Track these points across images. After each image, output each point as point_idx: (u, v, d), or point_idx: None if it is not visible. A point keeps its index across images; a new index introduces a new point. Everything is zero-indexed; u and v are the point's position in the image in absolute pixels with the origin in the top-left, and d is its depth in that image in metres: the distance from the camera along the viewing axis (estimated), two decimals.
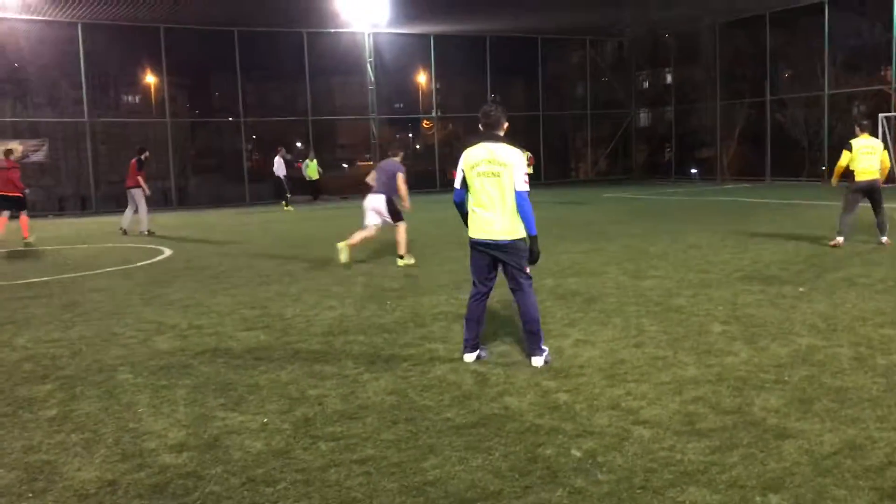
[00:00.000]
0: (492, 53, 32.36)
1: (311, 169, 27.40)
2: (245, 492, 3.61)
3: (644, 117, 36.92)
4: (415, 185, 31.55)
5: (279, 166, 24.56)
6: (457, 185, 5.56)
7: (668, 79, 35.85)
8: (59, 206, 27.62)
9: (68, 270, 11.30)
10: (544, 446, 4.03)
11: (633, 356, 5.68)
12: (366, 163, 32.81)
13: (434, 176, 32.58)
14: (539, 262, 5.57)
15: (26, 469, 3.94)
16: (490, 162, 5.34)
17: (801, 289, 7.96)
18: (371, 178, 10.75)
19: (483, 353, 5.71)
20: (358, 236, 10.70)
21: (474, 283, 5.64)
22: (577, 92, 36.28)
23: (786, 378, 5.02)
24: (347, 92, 33.13)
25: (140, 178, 17.19)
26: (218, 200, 28.16)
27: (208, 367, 5.77)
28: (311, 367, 5.68)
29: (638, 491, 3.49)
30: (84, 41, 26.00)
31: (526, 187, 5.34)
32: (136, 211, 17.29)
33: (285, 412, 4.70)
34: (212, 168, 32.20)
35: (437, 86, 32.79)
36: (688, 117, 33.28)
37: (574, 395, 4.84)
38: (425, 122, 34.58)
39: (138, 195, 17.15)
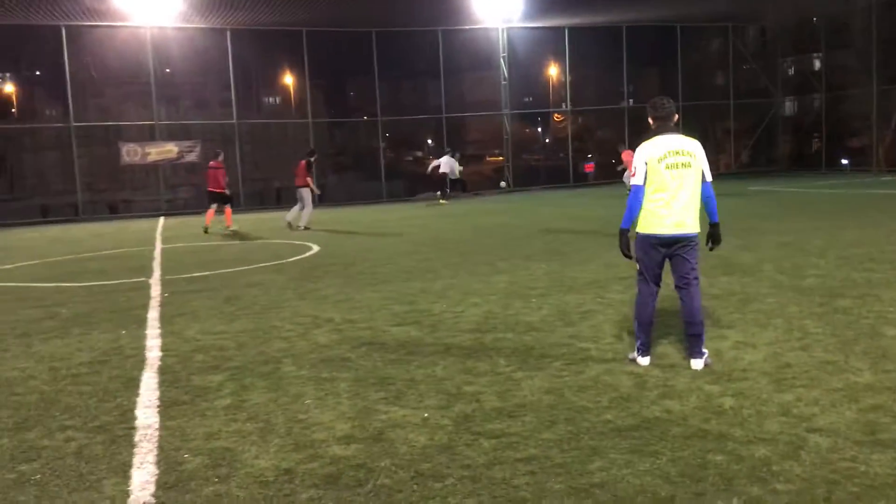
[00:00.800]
0: (628, 44, 31.65)
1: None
2: (415, 486, 3.70)
3: (790, 106, 35.11)
4: (547, 180, 31.66)
5: (446, 165, 25.24)
6: (638, 180, 5.28)
7: (817, 65, 33.90)
8: (208, 204, 29.20)
9: (225, 266, 11.93)
10: (714, 452, 3.91)
11: (800, 360, 5.41)
12: (495, 158, 32.88)
13: (566, 170, 32.27)
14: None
15: (210, 455, 4.18)
16: (679, 153, 5.21)
17: None
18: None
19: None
20: None
21: (647, 282, 5.45)
22: (717, 81, 34.94)
23: None
24: (479, 88, 33.28)
25: (309, 179, 18.17)
26: (355, 197, 28.95)
27: (366, 360, 5.94)
28: (463, 363, 5.75)
29: (821, 503, 3.32)
30: (232, 46, 27.37)
31: (710, 177, 5.32)
32: (302, 208, 18.15)
33: (444, 407, 4.78)
34: (349, 166, 33.22)
35: (570, 79, 32.38)
36: (838, 105, 31.37)
37: (740, 399, 4.67)
38: (556, 115, 34.26)
39: (306, 194, 18.06)
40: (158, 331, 7.33)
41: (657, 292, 5.50)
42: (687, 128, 26.44)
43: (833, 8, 29.95)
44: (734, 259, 9.92)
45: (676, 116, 5.42)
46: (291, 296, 8.94)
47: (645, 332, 5.48)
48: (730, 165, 34.07)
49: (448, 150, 27.13)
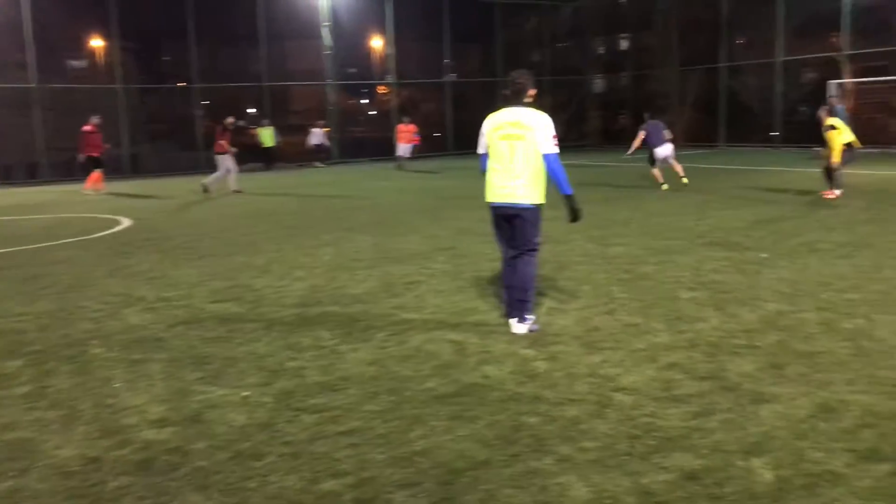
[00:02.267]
0: (450, 19, 32.04)
1: (266, 136, 27.09)
2: (234, 466, 3.60)
3: (599, 84, 37.02)
4: (374, 153, 31.55)
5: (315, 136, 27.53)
6: (480, 149, 5.61)
7: (624, 45, 35.96)
8: (5, 175, 26.78)
9: (26, 242, 11.02)
10: (528, 414, 4.09)
11: (607, 324, 5.76)
12: (322, 129, 32.37)
13: (392, 143, 32.32)
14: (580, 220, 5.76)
15: (6, 447, 3.87)
16: (514, 125, 5.36)
17: (763, 255, 8.14)
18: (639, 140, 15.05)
19: (534, 327, 5.57)
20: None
21: (501, 248, 5.67)
22: (533, 58, 36.19)
23: (757, 343, 5.15)
24: (303, 57, 32.54)
25: (224, 143, 17.92)
26: (171, 168, 27.51)
27: (182, 340, 5.70)
28: (287, 338, 5.66)
29: (624, 458, 3.56)
30: (29, 2, 25.09)
31: (555, 149, 5.34)
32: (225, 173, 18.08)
33: (265, 385, 4.68)
34: (163, 135, 31.42)
35: (394, 51, 32.37)
36: (643, 84, 33.46)
37: (552, 363, 4.91)
38: (380, 87, 34.19)
39: (223, 160, 17.91)
40: None
41: (516, 255, 5.53)
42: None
43: None
44: (546, 229, 10.34)
45: (532, 91, 5.47)
46: (100, 273, 8.40)
47: (512, 294, 5.57)
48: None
49: (266, 121, 26.91)
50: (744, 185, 15.56)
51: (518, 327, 5.53)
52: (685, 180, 14.87)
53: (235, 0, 28.90)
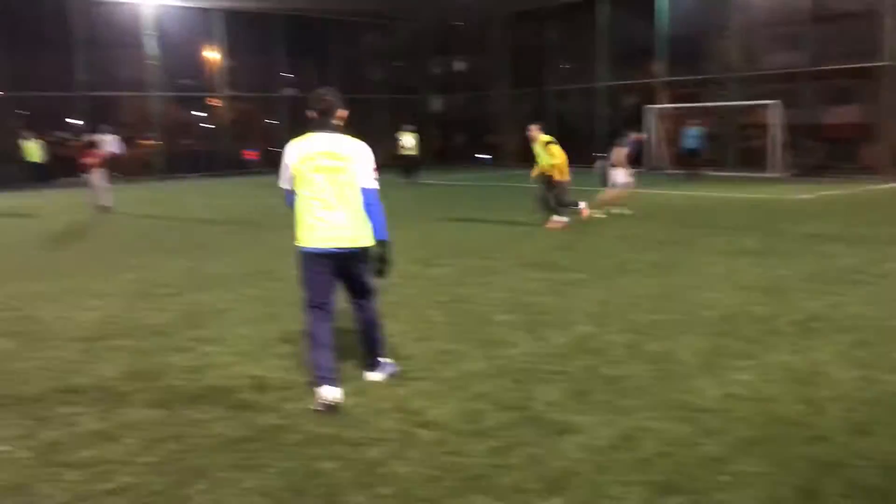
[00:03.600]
0: (284, 33, 31.39)
1: (30, 149, 24.47)
2: None
3: (436, 103, 37.49)
4: (208, 167, 30.21)
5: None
6: (284, 184, 4.60)
7: (460, 66, 36.67)
8: None
9: None
10: (324, 459, 3.78)
11: (421, 350, 5.57)
12: (148, 142, 30.68)
13: (228, 157, 31.15)
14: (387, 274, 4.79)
15: None
16: (331, 155, 4.52)
17: (579, 275, 8.26)
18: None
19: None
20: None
21: (314, 304, 4.60)
22: (369, 75, 36.13)
23: (566, 369, 5.10)
24: (128, 66, 30.75)
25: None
26: (36, 178, 24.84)
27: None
28: (65, 379, 5.05)
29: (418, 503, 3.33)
30: None
31: (376, 184, 4.63)
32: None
33: (27, 436, 4.11)
34: None
35: (228, 63, 31.28)
36: (479, 104, 34.20)
37: (359, 397, 4.62)
38: (213, 100, 32.92)
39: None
40: None
41: (331, 311, 4.68)
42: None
43: (473, 16, 32.52)
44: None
45: (341, 112, 4.66)
46: None
47: (326, 357, 4.56)
48: (383, 158, 35.45)
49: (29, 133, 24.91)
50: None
51: (375, 375, 4.92)
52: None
53: (44, 2, 26.87)
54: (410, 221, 13.08)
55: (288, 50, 32.01)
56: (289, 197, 4.63)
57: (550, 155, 12.15)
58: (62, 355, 5.60)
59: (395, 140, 23.74)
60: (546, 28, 30.60)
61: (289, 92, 32.83)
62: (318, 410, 4.39)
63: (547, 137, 12.19)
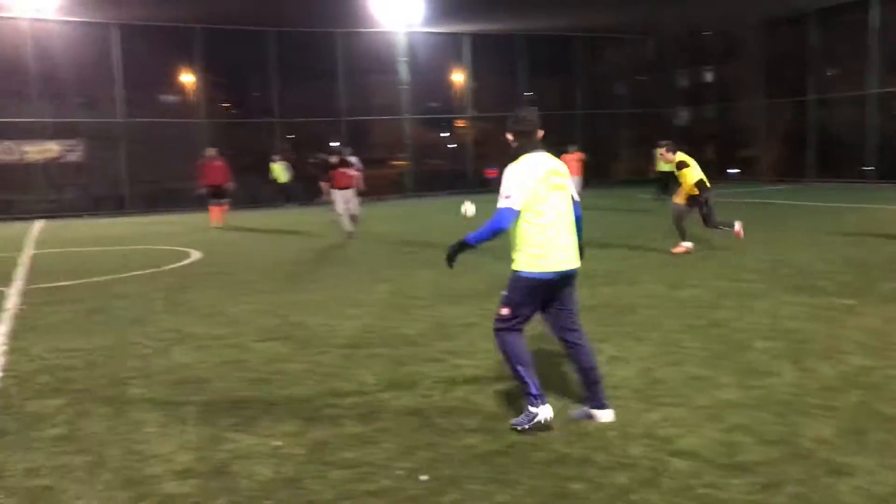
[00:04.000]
0: (527, 52, 31.96)
1: (277, 171, 26.76)
2: None
3: (684, 116, 36.21)
4: (449, 185, 31.56)
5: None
6: (515, 204, 4.31)
7: (708, 77, 35.12)
8: (94, 206, 27.80)
9: (97, 274, 11.21)
10: (574, 480, 3.73)
11: (671, 376, 5.34)
12: (399, 162, 32.59)
13: (469, 175, 32.27)
14: None
15: (26, 495, 3.74)
16: (558, 174, 4.46)
17: (849, 301, 7.52)
18: None
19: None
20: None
21: (518, 327, 4.48)
22: (614, 90, 35.70)
23: (836, 404, 4.65)
24: (382, 92, 32.93)
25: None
26: (254, 200, 27.92)
27: (224, 381, 5.55)
28: (329, 382, 5.44)
29: None
30: (120, 42, 26.20)
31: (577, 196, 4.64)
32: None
33: (299, 434, 4.46)
34: (249, 168, 32.14)
35: (472, 85, 32.42)
36: (729, 116, 32.57)
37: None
38: (457, 121, 34.26)
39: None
40: (3, 348, 6.72)
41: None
42: (586, 136, 26.36)
43: (724, 25, 31.06)
44: (617, 270, 9.95)
45: (541, 132, 4.59)
46: (159, 308, 8.41)
47: (535, 374, 4.46)
48: (625, 173, 34.81)
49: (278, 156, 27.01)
50: (828, 222, 14.70)
51: (607, 414, 4.53)
52: None
53: (315, 37, 29.48)
54: (654, 240, 12.69)
55: (531, 69, 32.52)
56: (509, 218, 4.35)
57: (682, 177, 11.29)
58: (326, 360, 6.03)
59: (651, 155, 22.83)
60: (807, 33, 28.43)
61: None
62: (525, 429, 4.34)
63: (679, 157, 11.32)
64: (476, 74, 32.29)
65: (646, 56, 36.26)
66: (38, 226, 21.68)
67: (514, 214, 4.34)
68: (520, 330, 4.51)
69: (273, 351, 6.37)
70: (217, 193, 19.10)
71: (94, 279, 10.71)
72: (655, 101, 34.86)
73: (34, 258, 13.74)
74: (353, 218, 15.13)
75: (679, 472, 3.79)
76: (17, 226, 22.28)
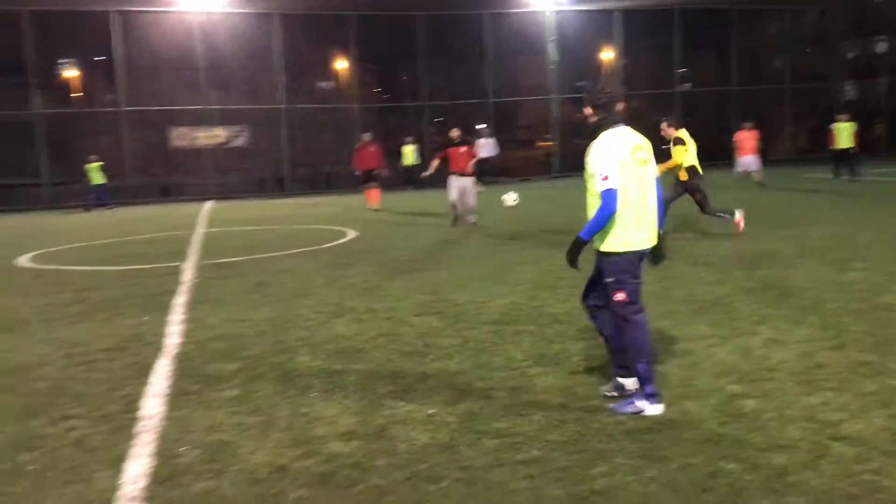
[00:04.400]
0: (681, 27, 30.89)
1: (407, 154, 26.55)
2: (408, 488, 3.56)
3: (850, 90, 33.88)
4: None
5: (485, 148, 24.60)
6: (615, 183, 4.22)
7: (881, 48, 32.63)
8: (257, 188, 29.49)
9: (261, 251, 11.95)
10: (727, 459, 3.68)
11: (833, 360, 5.11)
12: (546, 143, 32.48)
13: None
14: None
15: (207, 448, 4.11)
16: (644, 148, 4.42)
17: None
18: None
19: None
20: None
21: (639, 308, 4.47)
22: (773, 65, 33.89)
23: None
24: (529, 72, 32.87)
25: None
26: (408, 182, 28.58)
27: (380, 352, 5.83)
28: (479, 357, 5.59)
29: None
30: (281, 31, 27.54)
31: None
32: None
33: (452, 404, 4.63)
34: (398, 151, 33.03)
35: (622, 62, 31.73)
36: None
37: (763, 402, 4.42)
38: None
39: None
40: (182, 317, 7.33)
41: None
42: (741, 113, 25.10)
43: None
44: (776, 250, 9.54)
45: (622, 105, 4.50)
46: (320, 283, 8.88)
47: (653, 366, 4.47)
48: (786, 151, 33.07)
49: (409, 138, 26.55)
50: None
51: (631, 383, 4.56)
52: None
53: (463, 19, 29.78)
54: (818, 220, 12.05)
55: (684, 44, 31.43)
56: (615, 200, 4.23)
57: (673, 153, 10.84)
58: (477, 336, 6.19)
59: (829, 131, 21.35)
60: None
61: (684, 87, 32.23)
62: (623, 412, 4.32)
63: (679, 133, 10.94)
64: (627, 51, 31.56)
65: (807, 27, 34.14)
66: (207, 207, 23.26)
67: (616, 194, 4.25)
68: (642, 308, 4.48)
69: (426, 325, 6.61)
70: (371, 177, 19.40)
71: (260, 256, 11.42)
72: (819, 75, 32.83)
73: (205, 236, 14.79)
74: (469, 210, 13.56)
75: (841, 456, 3.66)
76: (188, 207, 24.02)
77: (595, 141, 4.38)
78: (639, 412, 4.31)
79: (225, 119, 28.36)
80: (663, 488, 3.44)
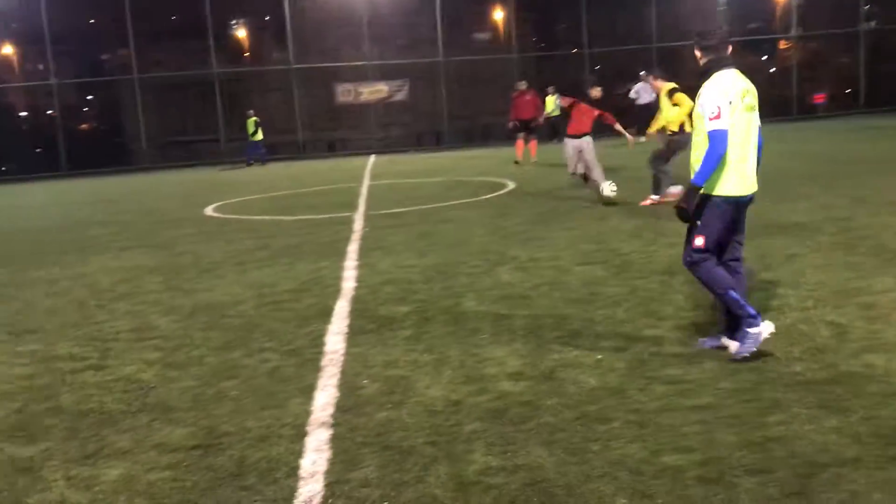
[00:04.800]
0: None
1: (549, 104, 23.54)
2: (578, 426, 3.66)
3: None
4: (770, 113, 29.45)
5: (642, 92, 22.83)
6: (724, 123, 4.20)
7: None
8: (416, 142, 30.15)
9: (424, 202, 12.30)
10: None
11: None
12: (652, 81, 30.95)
13: (790, 102, 29.81)
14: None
15: (386, 382, 4.38)
16: (752, 93, 4.37)
17: None
18: None
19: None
20: None
21: (713, 251, 4.41)
22: None
23: None
24: (697, 15, 31.34)
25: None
26: (552, 133, 28.27)
27: (545, 299, 5.92)
28: (647, 306, 5.57)
29: None
30: None
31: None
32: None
33: (620, 350, 4.66)
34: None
35: (798, 1, 29.61)
36: None
37: None
38: (782, 42, 31.59)
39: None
40: (355, 263, 7.73)
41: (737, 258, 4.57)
42: None
43: None
44: None
45: (731, 48, 4.49)
46: (482, 232, 9.07)
47: (743, 297, 4.43)
48: None
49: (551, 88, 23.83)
50: None
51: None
52: None
53: None
54: None
55: None
56: (725, 140, 4.21)
57: (679, 102, 10.02)
58: (644, 285, 6.15)
59: None
60: None
61: (869, 25, 29.72)
62: (752, 353, 4.30)
63: (672, 85, 10.26)
64: None
65: None
66: (370, 160, 24.07)
67: (726, 135, 4.22)
68: (714, 260, 4.42)
69: (591, 274, 6.62)
70: (527, 127, 18.75)
71: (423, 207, 11.76)
72: None
73: (371, 189, 15.37)
74: (586, 176, 11.22)
75: None
76: (352, 160, 24.95)
77: (706, 81, 4.39)
78: (757, 337, 4.32)
79: (386, 74, 29.07)
80: (844, 438, 3.35)
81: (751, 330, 4.34)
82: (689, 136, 5.20)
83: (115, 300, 6.84)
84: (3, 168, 28.88)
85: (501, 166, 18.31)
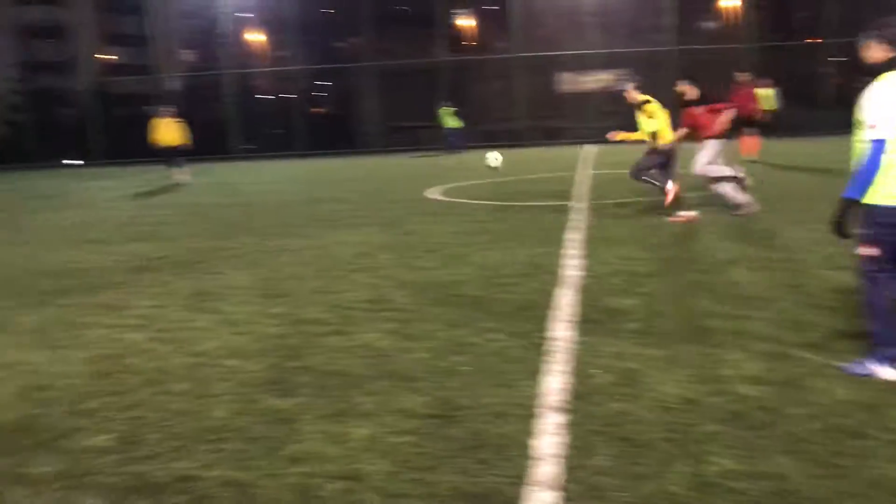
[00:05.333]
0: None
1: (767, 98, 19.92)
2: (827, 439, 3.42)
3: None
4: None
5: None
6: (883, 133, 3.86)
7: None
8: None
9: (650, 195, 11.99)
10: None
11: None
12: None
13: None
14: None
15: (617, 374, 4.34)
16: None
17: None
18: None
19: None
20: None
21: (887, 262, 4.05)
22: None
23: None
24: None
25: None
26: (797, 129, 26.12)
27: (786, 301, 5.59)
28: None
29: None
30: None
31: None
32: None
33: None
34: (790, 95, 30.43)
35: None
36: None
37: None
38: None
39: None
40: (577, 251, 7.70)
41: None
42: None
43: None
44: None
45: None
46: (714, 229, 8.71)
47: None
48: None
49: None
50: None
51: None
52: None
53: None
54: None
55: None
56: (881, 152, 3.85)
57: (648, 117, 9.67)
58: None
59: None
60: None
61: None
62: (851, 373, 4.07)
63: (644, 97, 9.85)
64: None
65: None
66: (587, 149, 23.83)
67: (884, 145, 3.86)
68: (892, 272, 4.03)
69: (840, 280, 6.12)
70: (749, 122, 16.55)
71: (644, 199, 11.46)
72: None
73: (591, 178, 15.24)
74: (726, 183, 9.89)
75: None
76: (569, 149, 24.82)
77: (874, 82, 3.97)
78: (871, 374, 4.05)
79: (610, 63, 28.59)
80: None
81: (870, 366, 4.09)
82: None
83: (353, 272, 7.31)
84: (251, 146, 31.69)
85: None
